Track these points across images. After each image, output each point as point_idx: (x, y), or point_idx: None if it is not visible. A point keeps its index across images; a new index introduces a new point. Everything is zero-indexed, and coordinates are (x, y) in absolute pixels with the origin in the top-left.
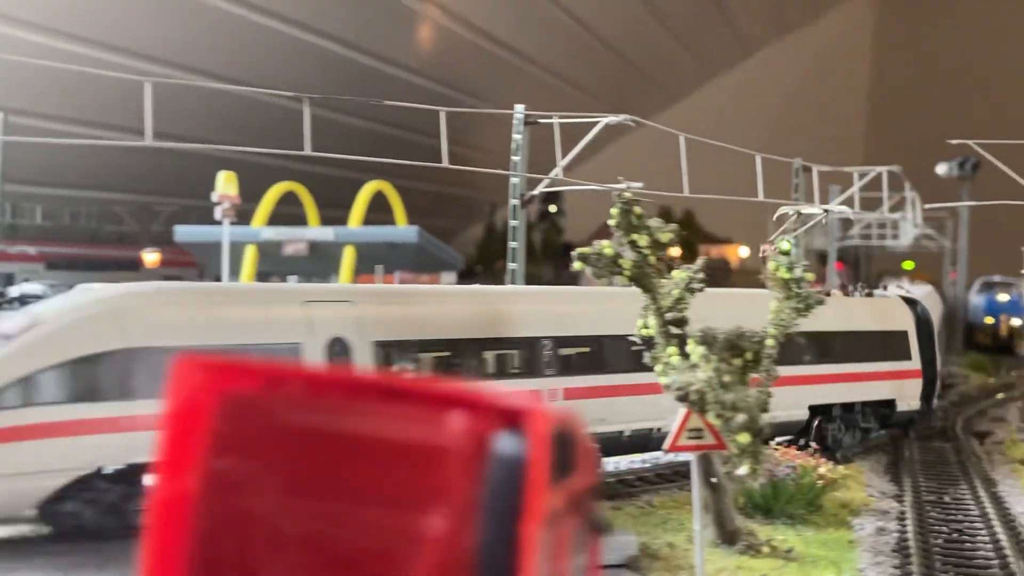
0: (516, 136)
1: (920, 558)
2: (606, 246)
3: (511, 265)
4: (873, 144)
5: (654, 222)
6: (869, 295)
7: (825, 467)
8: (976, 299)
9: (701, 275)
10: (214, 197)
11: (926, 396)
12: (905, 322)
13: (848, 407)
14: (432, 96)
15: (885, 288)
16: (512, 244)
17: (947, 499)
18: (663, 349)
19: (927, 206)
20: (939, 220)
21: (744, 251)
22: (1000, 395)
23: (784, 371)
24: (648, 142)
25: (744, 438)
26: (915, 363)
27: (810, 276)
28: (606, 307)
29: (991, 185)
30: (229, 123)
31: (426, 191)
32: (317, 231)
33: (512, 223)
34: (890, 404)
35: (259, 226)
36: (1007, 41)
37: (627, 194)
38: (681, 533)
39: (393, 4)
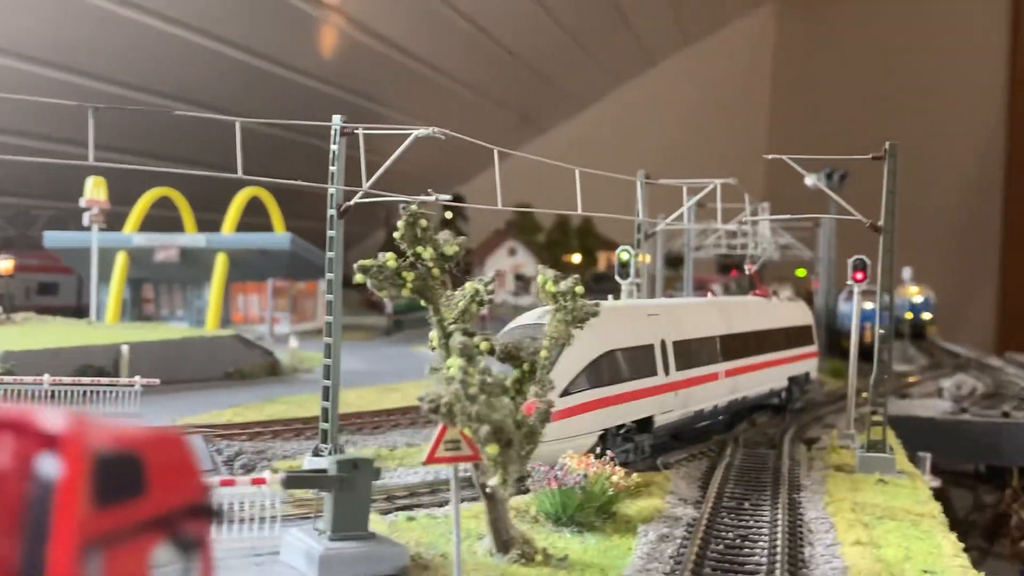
0: (333, 147)
1: (692, 564)
2: (390, 258)
3: (328, 275)
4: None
5: (442, 235)
6: (791, 299)
7: (618, 475)
8: (843, 307)
9: (491, 287)
10: (82, 202)
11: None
12: (809, 318)
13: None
14: (334, 101)
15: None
16: (329, 254)
17: (746, 505)
18: (443, 361)
19: (747, 218)
20: (810, 230)
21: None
22: (864, 394)
23: (776, 356)
24: (553, 155)
25: (492, 449)
26: (816, 347)
27: (580, 289)
28: (761, 311)
29: (858, 195)
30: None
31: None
32: (189, 238)
33: (329, 233)
34: (807, 375)
35: (131, 232)
36: (907, 55)
37: (413, 207)
38: (463, 543)
39: (294, 10)
